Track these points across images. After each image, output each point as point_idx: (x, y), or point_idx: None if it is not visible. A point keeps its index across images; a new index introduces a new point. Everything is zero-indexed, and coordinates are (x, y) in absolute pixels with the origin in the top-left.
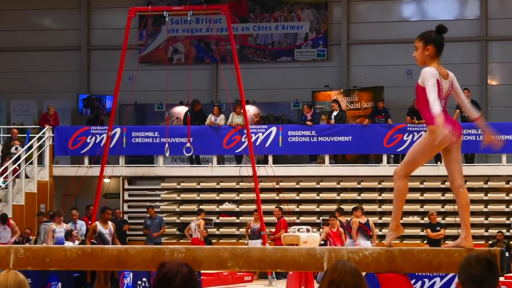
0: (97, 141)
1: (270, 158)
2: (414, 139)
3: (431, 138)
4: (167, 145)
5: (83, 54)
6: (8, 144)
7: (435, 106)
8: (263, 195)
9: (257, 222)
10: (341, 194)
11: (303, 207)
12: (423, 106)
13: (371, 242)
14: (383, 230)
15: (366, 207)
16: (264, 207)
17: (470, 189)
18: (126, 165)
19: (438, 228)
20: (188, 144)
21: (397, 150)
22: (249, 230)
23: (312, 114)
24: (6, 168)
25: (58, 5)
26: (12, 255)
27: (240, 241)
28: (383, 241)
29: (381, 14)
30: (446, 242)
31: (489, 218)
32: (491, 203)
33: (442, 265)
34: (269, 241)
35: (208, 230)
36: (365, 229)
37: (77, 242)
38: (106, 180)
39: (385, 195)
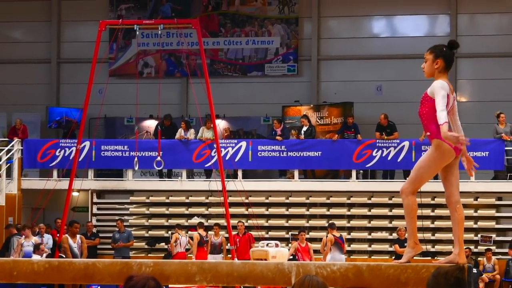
0: (66, 154)
1: (240, 173)
2: (383, 154)
3: (437, 152)
4: (136, 158)
5: (53, 67)
6: None
7: (442, 116)
8: (232, 210)
9: (217, 236)
10: (310, 209)
11: (272, 221)
12: (429, 118)
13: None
14: (351, 245)
15: (335, 222)
16: (233, 221)
17: (439, 205)
18: (95, 178)
19: (405, 244)
20: (159, 158)
21: (366, 166)
22: (210, 245)
23: (282, 129)
24: None
25: (28, 17)
26: None
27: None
28: (352, 256)
29: (351, 30)
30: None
31: None
32: None
33: (410, 281)
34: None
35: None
36: (340, 242)
37: (44, 255)
38: (75, 194)
39: (354, 211)
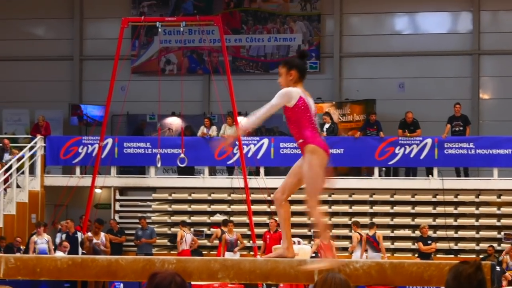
0: (88, 151)
1: (262, 170)
2: (406, 152)
3: (316, 157)
4: (158, 155)
5: (75, 64)
6: (0, 154)
7: (250, 120)
8: (254, 207)
9: (232, 233)
10: (332, 207)
11: (294, 219)
12: (300, 125)
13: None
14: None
15: (358, 220)
16: (255, 219)
17: (462, 203)
18: (117, 175)
19: (429, 242)
20: (182, 155)
21: (389, 163)
22: (225, 242)
23: None
24: None
25: (51, 15)
26: (2, 265)
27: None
28: (395, 254)
29: (373, 27)
30: (438, 255)
31: (480, 232)
32: (482, 217)
33: (433, 278)
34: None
35: (199, 241)
36: (372, 241)
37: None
38: (98, 191)
39: (376, 208)
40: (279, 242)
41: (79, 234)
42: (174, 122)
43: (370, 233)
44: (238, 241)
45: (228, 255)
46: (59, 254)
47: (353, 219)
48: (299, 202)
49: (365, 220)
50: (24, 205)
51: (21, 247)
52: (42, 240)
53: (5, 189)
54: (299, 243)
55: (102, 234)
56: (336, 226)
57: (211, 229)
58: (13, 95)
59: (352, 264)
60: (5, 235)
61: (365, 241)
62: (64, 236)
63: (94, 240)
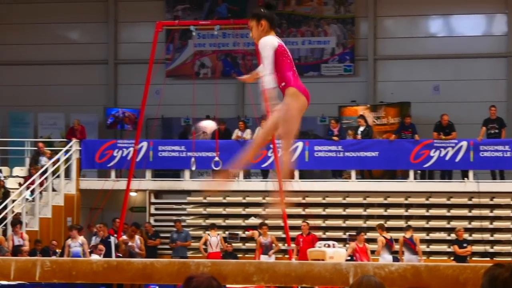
0: (123, 155)
1: (296, 173)
2: (441, 155)
3: (294, 99)
4: (193, 159)
5: (110, 68)
6: (36, 158)
7: (268, 80)
8: (289, 210)
9: (266, 236)
10: (367, 210)
11: (329, 222)
12: (278, 69)
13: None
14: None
15: (392, 223)
16: (289, 222)
17: (498, 206)
18: (152, 179)
19: (465, 245)
20: (217, 158)
21: (424, 166)
22: (260, 245)
23: (339, 129)
24: (33, 181)
25: (85, 19)
26: (38, 268)
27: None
28: (430, 257)
29: (408, 29)
30: (473, 258)
31: None
32: None
33: (469, 281)
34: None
35: (233, 244)
36: (409, 243)
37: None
38: (133, 194)
39: (412, 211)
40: (312, 245)
41: (112, 238)
42: (209, 126)
43: (407, 235)
44: (273, 244)
45: (263, 258)
46: (94, 257)
47: (378, 222)
48: (335, 205)
49: (400, 223)
50: (59, 209)
51: (57, 251)
52: (75, 243)
53: (40, 193)
54: (333, 246)
55: (137, 237)
56: (371, 229)
57: (246, 232)
58: (48, 99)
59: (387, 267)
60: (41, 238)
61: (402, 243)
62: (98, 239)
63: (129, 243)
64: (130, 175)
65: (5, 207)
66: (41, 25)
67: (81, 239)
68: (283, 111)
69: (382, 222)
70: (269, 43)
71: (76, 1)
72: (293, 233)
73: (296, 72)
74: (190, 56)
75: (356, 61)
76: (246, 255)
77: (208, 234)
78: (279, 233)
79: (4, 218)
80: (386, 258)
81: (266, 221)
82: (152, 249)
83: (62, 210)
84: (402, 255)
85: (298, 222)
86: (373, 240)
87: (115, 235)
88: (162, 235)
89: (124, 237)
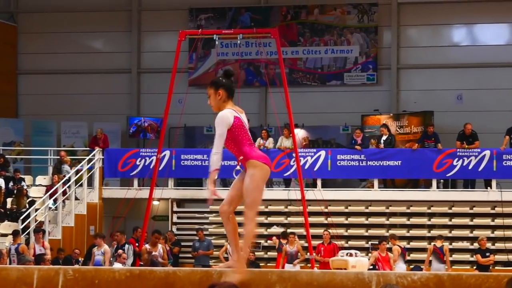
0: (146, 164)
1: (319, 182)
2: (464, 164)
3: (258, 170)
4: None
5: (133, 77)
6: (58, 166)
7: (213, 162)
8: (311, 219)
9: (293, 245)
10: (390, 219)
11: (352, 231)
12: (235, 143)
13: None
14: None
15: (415, 232)
16: (312, 231)
17: None
18: (175, 187)
19: (487, 254)
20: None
21: (447, 175)
22: (286, 254)
23: (362, 138)
24: (56, 190)
25: (109, 28)
26: (61, 276)
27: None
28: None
29: (431, 38)
30: (496, 267)
31: None
32: None
33: None
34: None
35: (256, 253)
36: (438, 252)
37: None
38: (155, 203)
39: (435, 220)
40: (333, 254)
41: (126, 246)
42: None
43: (438, 244)
44: (299, 254)
45: (288, 267)
46: (117, 265)
47: (390, 232)
48: (357, 214)
49: (422, 232)
50: (82, 217)
51: (80, 259)
52: (98, 252)
53: (63, 201)
54: (356, 255)
55: (160, 246)
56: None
57: (268, 241)
58: (71, 108)
59: (410, 276)
60: (64, 247)
61: (431, 252)
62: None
63: (153, 253)
64: (152, 183)
65: (28, 216)
66: (65, 34)
67: (104, 247)
68: (247, 182)
69: (393, 232)
70: (225, 121)
71: (100, 10)
72: (315, 242)
73: (251, 142)
74: (213, 65)
75: (379, 70)
76: (268, 264)
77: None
78: (301, 242)
79: (27, 227)
80: (401, 267)
81: (288, 230)
82: (174, 258)
83: (85, 218)
84: (429, 264)
85: (320, 231)
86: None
87: (129, 244)
88: (184, 243)
89: (147, 246)
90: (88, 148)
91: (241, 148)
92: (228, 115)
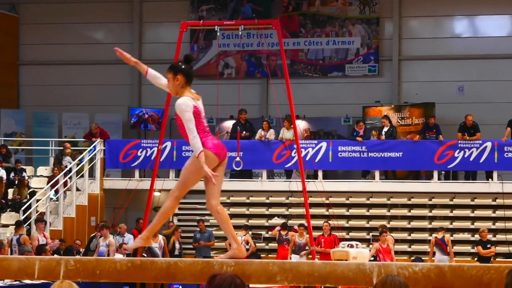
0: (147, 155)
1: (320, 173)
2: (465, 155)
3: (198, 162)
4: None
5: (134, 68)
6: (59, 157)
7: (197, 146)
8: (312, 210)
9: (302, 237)
10: (391, 210)
11: (353, 222)
12: (186, 134)
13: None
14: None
15: (416, 224)
16: (313, 222)
17: None
18: (176, 178)
19: (488, 246)
20: (238, 158)
21: (448, 167)
22: (294, 245)
23: (364, 130)
24: (57, 181)
25: (110, 19)
26: (62, 267)
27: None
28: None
29: (433, 30)
30: (497, 259)
31: None
32: None
33: (492, 282)
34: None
35: (257, 244)
36: (441, 244)
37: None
38: (157, 194)
39: (436, 212)
40: (333, 246)
41: (127, 236)
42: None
43: (439, 236)
44: (307, 246)
45: (294, 257)
46: (118, 256)
47: (391, 223)
48: (358, 205)
49: (423, 223)
50: (83, 208)
51: (81, 250)
52: (103, 243)
53: (64, 192)
54: (357, 246)
55: (160, 237)
56: (395, 229)
57: (269, 232)
58: (72, 99)
59: (411, 267)
60: (65, 237)
61: (433, 244)
62: (120, 239)
63: (152, 244)
64: (154, 174)
65: (29, 207)
66: (66, 25)
67: (109, 239)
68: (186, 165)
69: (395, 223)
70: (188, 105)
71: (101, 1)
72: (316, 234)
73: (206, 129)
74: (214, 56)
75: (381, 62)
76: (269, 255)
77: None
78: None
79: (28, 217)
80: (439, 258)
81: (290, 221)
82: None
83: (86, 209)
84: (433, 256)
85: (321, 222)
86: (396, 241)
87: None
88: (185, 235)
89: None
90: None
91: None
92: (187, 102)
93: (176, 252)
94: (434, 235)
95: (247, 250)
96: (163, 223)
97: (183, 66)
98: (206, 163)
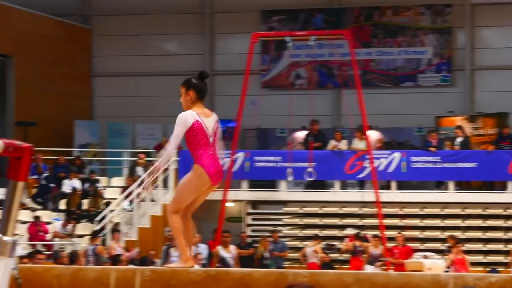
0: None
1: (394, 184)
2: None
3: (195, 175)
4: (290, 169)
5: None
6: (133, 168)
7: (166, 153)
8: (386, 221)
9: (377, 247)
10: (465, 221)
11: (427, 233)
12: (192, 146)
13: None
14: (508, 257)
15: (491, 234)
16: (387, 233)
17: None
18: (249, 189)
19: None
20: (310, 169)
21: None
22: (369, 255)
23: (437, 140)
24: (131, 191)
25: (182, 30)
26: (137, 277)
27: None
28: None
29: (506, 39)
30: None
31: None
32: None
33: None
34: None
35: (331, 255)
36: None
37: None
38: (229, 204)
39: (511, 222)
40: (407, 257)
41: (201, 247)
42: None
43: None
44: (381, 257)
45: (369, 268)
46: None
47: (465, 234)
48: (433, 216)
49: (498, 234)
50: (157, 219)
51: (155, 260)
52: (174, 253)
53: (139, 203)
54: (431, 257)
55: (232, 247)
56: (470, 240)
57: (342, 245)
58: (146, 110)
59: (487, 279)
60: (140, 248)
61: None
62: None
63: (225, 254)
64: (226, 185)
65: (104, 217)
66: (139, 37)
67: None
68: (181, 181)
69: (470, 234)
70: (182, 122)
71: (172, 13)
72: (390, 244)
73: (209, 147)
74: (285, 67)
75: (453, 72)
76: (343, 266)
77: (307, 245)
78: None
79: (103, 228)
80: None
81: (363, 232)
82: (247, 259)
83: (160, 220)
84: None
85: (395, 233)
86: (471, 252)
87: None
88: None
89: (219, 247)
90: None
91: (195, 151)
92: (187, 117)
93: (266, 262)
94: (501, 246)
95: (318, 260)
96: (183, 238)
97: (195, 82)
98: (196, 180)
